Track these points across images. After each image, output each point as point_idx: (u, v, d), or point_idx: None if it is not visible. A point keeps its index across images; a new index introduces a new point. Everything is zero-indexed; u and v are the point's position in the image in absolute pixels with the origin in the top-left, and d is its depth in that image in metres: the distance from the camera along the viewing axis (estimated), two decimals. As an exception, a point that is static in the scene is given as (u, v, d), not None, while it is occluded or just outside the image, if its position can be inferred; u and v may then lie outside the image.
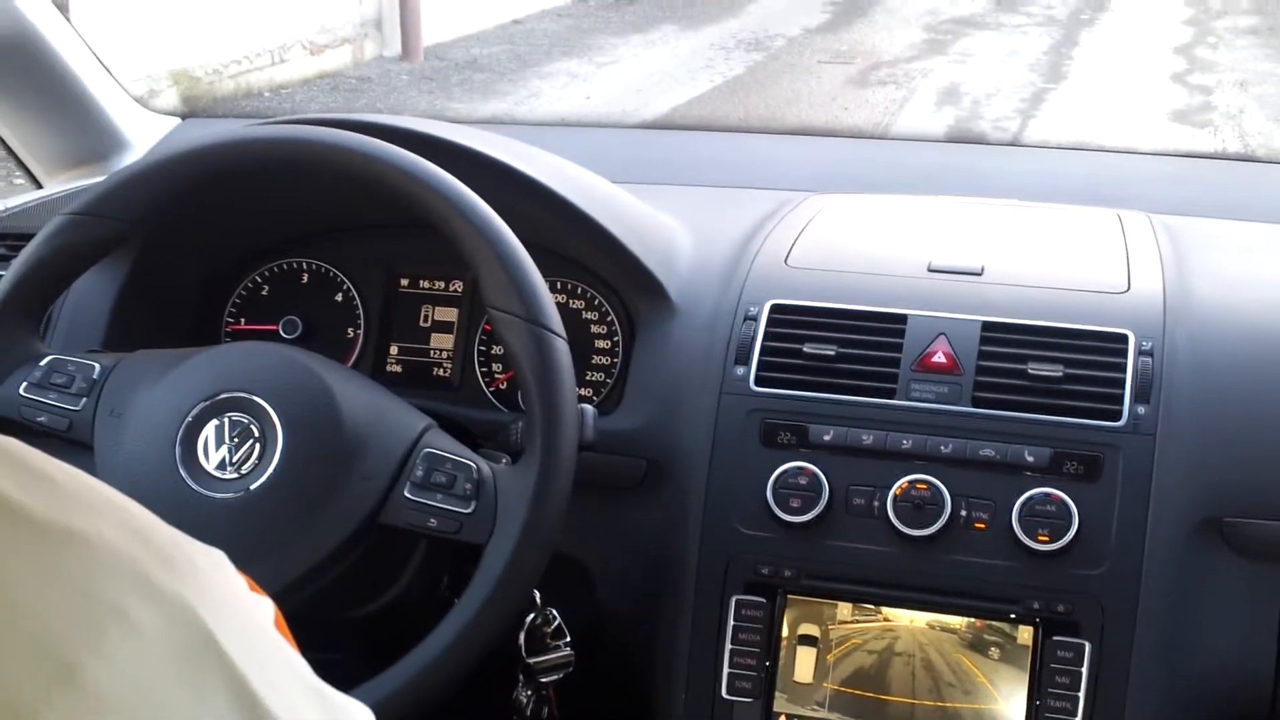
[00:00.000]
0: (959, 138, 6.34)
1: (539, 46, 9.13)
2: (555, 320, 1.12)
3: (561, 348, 1.11)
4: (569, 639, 1.30)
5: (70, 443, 1.14)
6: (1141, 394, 1.24)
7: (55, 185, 1.86)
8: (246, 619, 0.50)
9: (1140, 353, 1.26)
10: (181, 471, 1.08)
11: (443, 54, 8.72)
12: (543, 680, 1.30)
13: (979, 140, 6.15)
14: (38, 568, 0.43)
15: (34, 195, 1.82)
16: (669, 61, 8.77)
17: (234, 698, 0.45)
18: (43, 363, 1.15)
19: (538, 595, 1.27)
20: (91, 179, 1.73)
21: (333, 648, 1.32)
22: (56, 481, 0.47)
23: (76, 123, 1.85)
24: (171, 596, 0.45)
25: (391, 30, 8.66)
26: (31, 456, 0.48)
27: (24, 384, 1.14)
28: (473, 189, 1.14)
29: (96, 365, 1.15)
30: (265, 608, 0.53)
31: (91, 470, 1.13)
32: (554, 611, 1.29)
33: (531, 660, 1.29)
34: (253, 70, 7.36)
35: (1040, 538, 1.21)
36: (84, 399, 1.14)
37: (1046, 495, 1.21)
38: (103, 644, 0.42)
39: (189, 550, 0.49)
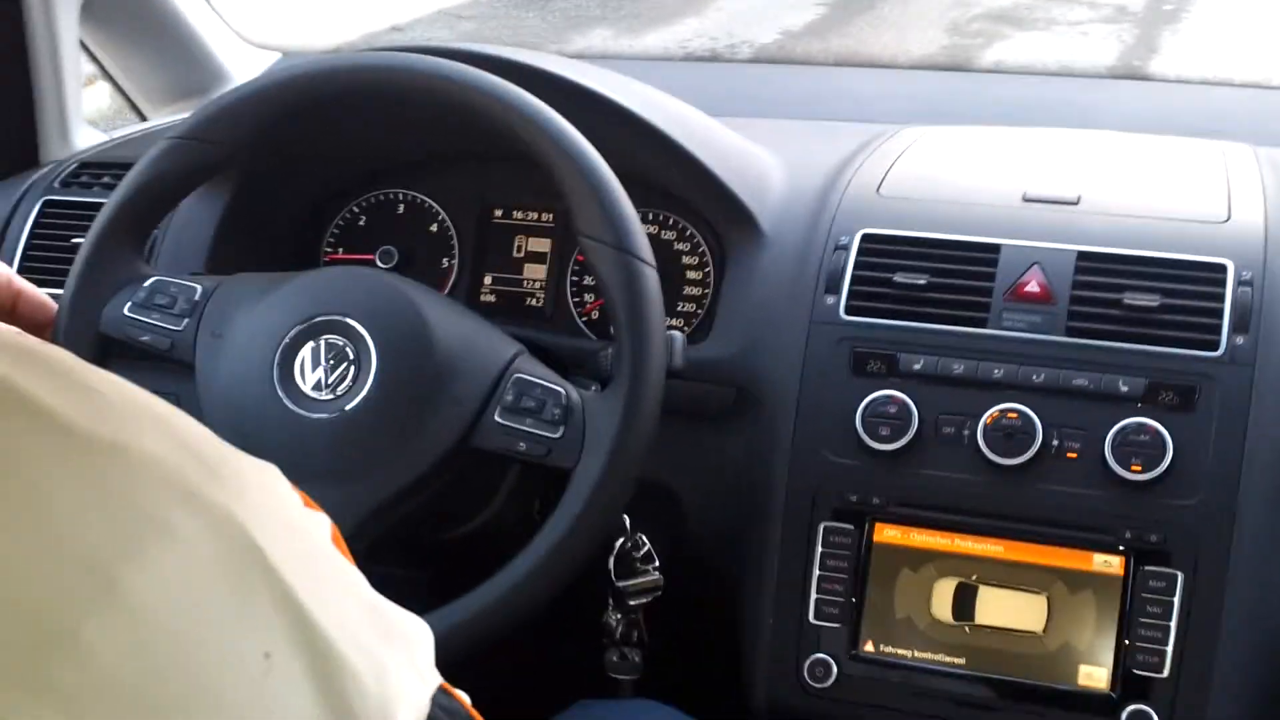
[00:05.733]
0: (1057, 70, 6.02)
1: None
2: (645, 249, 1.12)
3: (651, 276, 1.12)
4: (658, 564, 1.32)
5: (172, 362, 1.17)
6: (1240, 324, 1.22)
7: (160, 118, 1.90)
8: (298, 533, 0.49)
9: (1240, 283, 1.24)
10: (279, 391, 1.11)
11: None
12: (632, 604, 1.32)
13: (1078, 73, 5.90)
14: (79, 480, 0.42)
15: (139, 127, 1.87)
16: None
17: (280, 609, 0.44)
18: (146, 284, 1.18)
19: (627, 520, 1.29)
20: (194, 112, 1.76)
21: (426, 566, 1.36)
22: (102, 393, 0.46)
23: (180, 57, 1.88)
24: (217, 509, 0.44)
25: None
26: (78, 367, 0.47)
27: (129, 304, 1.17)
28: (567, 118, 1.14)
29: (198, 287, 1.18)
30: (321, 523, 0.52)
31: (193, 390, 1.17)
32: (643, 537, 1.31)
33: (621, 584, 1.31)
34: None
35: (1133, 467, 1.19)
36: (186, 319, 1.16)
37: (1140, 425, 1.20)
38: (144, 556, 0.41)
39: (238, 464, 0.48)
